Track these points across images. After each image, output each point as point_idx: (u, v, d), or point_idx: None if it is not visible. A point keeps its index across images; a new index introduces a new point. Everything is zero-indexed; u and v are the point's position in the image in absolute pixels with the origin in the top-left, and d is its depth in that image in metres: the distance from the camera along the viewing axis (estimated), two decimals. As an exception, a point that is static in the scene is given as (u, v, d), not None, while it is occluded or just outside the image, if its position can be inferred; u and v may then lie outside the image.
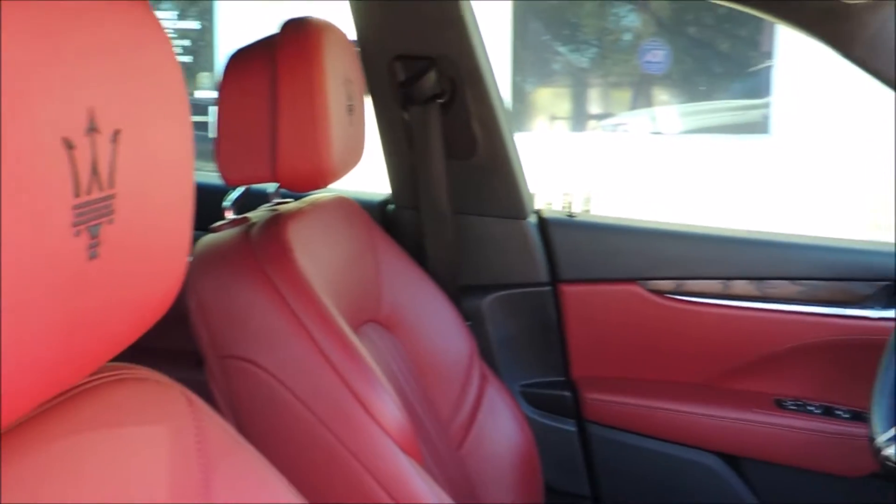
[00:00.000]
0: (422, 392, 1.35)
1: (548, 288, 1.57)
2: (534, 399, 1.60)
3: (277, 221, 1.10)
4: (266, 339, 0.99)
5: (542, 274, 1.57)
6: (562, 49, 7.69)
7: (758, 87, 7.21)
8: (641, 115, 7.62)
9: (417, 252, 1.51)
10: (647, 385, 1.58)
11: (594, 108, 7.90)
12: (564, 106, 7.84)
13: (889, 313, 1.45)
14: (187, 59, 7.15)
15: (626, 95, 7.87)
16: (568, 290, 1.57)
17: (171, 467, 0.61)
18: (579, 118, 7.75)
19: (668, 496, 1.57)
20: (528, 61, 7.44)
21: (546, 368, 1.61)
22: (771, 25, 6.94)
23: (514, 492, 1.39)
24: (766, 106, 7.13)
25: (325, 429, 0.98)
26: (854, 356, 1.46)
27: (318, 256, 1.12)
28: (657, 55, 7.21)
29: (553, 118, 7.81)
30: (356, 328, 1.26)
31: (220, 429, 0.67)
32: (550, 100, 7.86)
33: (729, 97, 7.47)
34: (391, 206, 1.64)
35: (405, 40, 1.49)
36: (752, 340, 1.52)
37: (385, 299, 1.34)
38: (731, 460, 1.55)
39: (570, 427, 1.59)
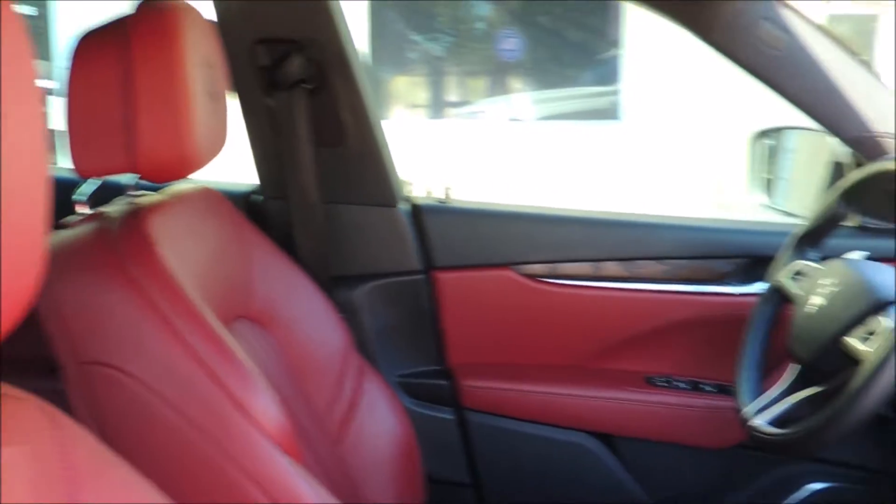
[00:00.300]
0: (297, 388, 1.30)
1: (422, 276, 1.55)
2: (412, 389, 1.58)
3: (138, 215, 1.03)
4: (131, 343, 0.93)
5: (416, 262, 1.55)
6: (417, 38, 7.69)
7: (607, 74, 7.43)
8: (498, 102, 7.74)
9: (287, 244, 1.45)
10: (522, 369, 1.59)
11: (451, 95, 7.97)
12: (422, 94, 7.86)
13: (748, 289, 1.51)
14: (24, 46, 6.69)
15: (482, 83, 7.98)
16: (442, 277, 1.55)
17: (34, 493, 0.55)
18: (437, 106, 7.79)
19: (546, 478, 1.59)
20: (385, 50, 7.41)
21: (423, 358, 1.59)
22: (618, 14, 7.17)
23: (394, 484, 1.37)
24: (616, 93, 7.36)
25: (200, 434, 0.92)
26: (718, 332, 1.52)
27: (183, 251, 1.06)
28: (511, 43, 7.33)
29: (411, 106, 7.81)
30: (227, 325, 1.20)
31: (85, 445, 0.61)
32: (408, 88, 7.86)
33: (580, 84, 7.66)
34: (258, 197, 1.58)
35: (267, 23, 1.43)
36: (622, 320, 1.55)
37: (256, 294, 1.28)
38: (606, 439, 1.58)
39: (448, 416, 1.58)
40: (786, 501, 1.59)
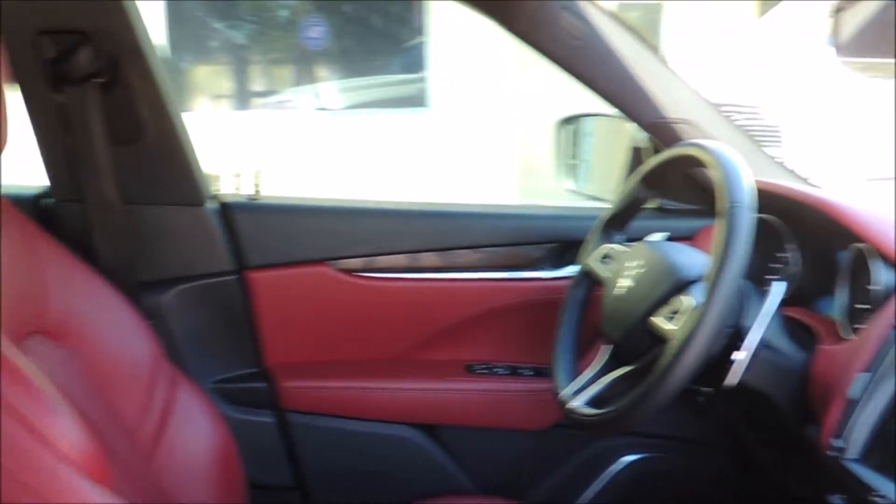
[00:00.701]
0: (104, 404, 1.22)
1: (234, 276, 1.49)
2: (229, 394, 1.52)
3: None
4: None
5: (227, 262, 1.48)
6: (219, 26, 7.44)
7: (413, 62, 7.46)
8: (305, 91, 7.61)
9: (85, 249, 1.35)
10: (342, 366, 1.56)
11: (256, 85, 7.77)
12: (225, 84, 7.62)
13: (561, 273, 1.55)
14: None
15: (287, 72, 7.82)
16: (255, 276, 1.50)
17: None
18: (242, 96, 7.57)
19: (373, 474, 1.58)
20: (184, 39, 7.11)
21: (239, 361, 1.53)
22: (421, 2, 7.23)
23: (214, 494, 1.31)
24: (423, 80, 7.40)
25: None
26: (534, 316, 1.55)
27: None
28: (316, 31, 7.22)
29: (214, 97, 7.55)
30: (19, 343, 1.10)
31: None
32: (210, 78, 7.60)
33: (387, 72, 7.65)
34: (49, 201, 1.46)
35: (52, 13, 1.32)
36: (441, 310, 1.55)
37: (52, 307, 1.18)
38: (429, 430, 1.59)
39: (268, 419, 1.53)
40: (603, 474, 1.66)
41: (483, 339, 1.59)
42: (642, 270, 1.19)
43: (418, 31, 7.36)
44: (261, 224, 1.50)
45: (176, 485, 1.28)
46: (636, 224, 1.36)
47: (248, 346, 1.53)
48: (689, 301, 1.08)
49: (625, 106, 1.49)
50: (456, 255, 1.55)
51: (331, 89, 7.60)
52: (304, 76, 7.69)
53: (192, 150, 1.46)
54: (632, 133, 1.63)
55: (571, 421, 1.20)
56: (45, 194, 1.46)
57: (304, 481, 1.55)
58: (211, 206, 1.48)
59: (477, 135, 7.06)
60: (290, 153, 6.73)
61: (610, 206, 1.36)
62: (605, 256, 1.32)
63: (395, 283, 1.53)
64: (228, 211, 1.49)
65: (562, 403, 1.23)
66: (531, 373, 1.59)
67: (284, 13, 7.56)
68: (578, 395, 1.21)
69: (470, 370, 1.58)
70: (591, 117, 1.81)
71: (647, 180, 1.29)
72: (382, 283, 1.53)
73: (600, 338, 1.27)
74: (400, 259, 1.53)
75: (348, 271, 1.52)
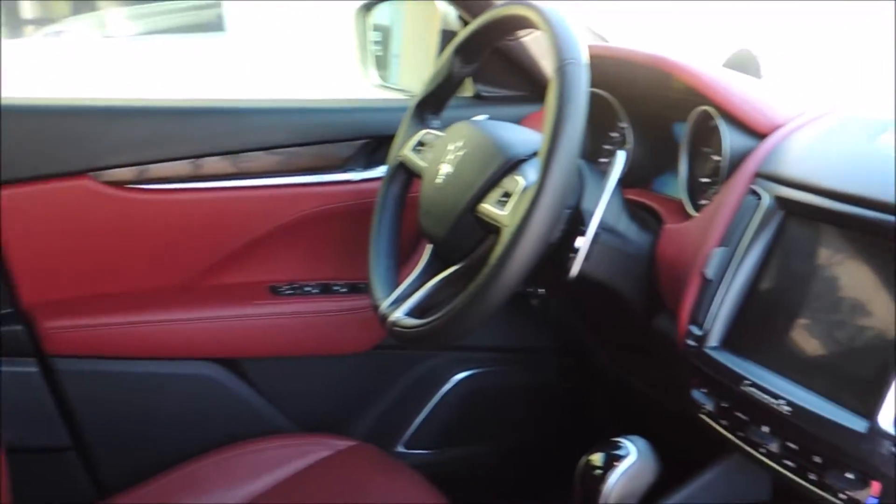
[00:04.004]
0: None
1: None
2: None
3: None
4: None
5: None
6: None
7: None
8: (87, 20, 7.00)
9: None
10: (120, 299, 1.30)
11: (28, 13, 7.04)
12: None
13: (373, 173, 1.36)
14: None
15: (67, 2, 7.16)
16: (2, 195, 1.21)
17: None
18: (12, 24, 6.83)
19: (167, 422, 1.34)
20: None
21: None
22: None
23: None
24: (218, 6, 7.02)
25: None
26: (345, 225, 1.35)
27: None
28: None
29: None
30: None
31: None
32: None
33: None
34: None
35: None
36: (235, 225, 1.32)
37: None
38: (232, 364, 1.37)
39: (30, 368, 1.26)
40: (434, 396, 1.50)
41: (288, 255, 1.38)
42: (463, 153, 1.01)
43: None
44: (5, 130, 1.20)
45: None
46: (451, 115, 1.17)
47: None
48: (521, 181, 0.92)
49: None
50: (248, 158, 1.31)
51: (116, 17, 7.02)
52: (85, 6, 7.05)
53: None
54: (443, 16, 1.44)
55: (394, 335, 1.02)
56: None
57: (81, 439, 1.30)
58: None
59: (278, 53, 6.74)
60: (69, 84, 6.13)
61: (422, 89, 1.17)
62: (421, 144, 1.13)
63: (176, 196, 1.28)
64: None
65: (382, 318, 1.05)
66: (345, 290, 1.40)
67: None
68: (399, 306, 1.03)
69: (275, 292, 1.37)
70: (393, 1, 1.61)
71: (463, 52, 1.10)
72: (159, 196, 1.27)
73: (423, 239, 1.09)
74: (180, 166, 1.28)
75: (116, 183, 1.25)
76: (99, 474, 1.32)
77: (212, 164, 1.29)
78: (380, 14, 1.61)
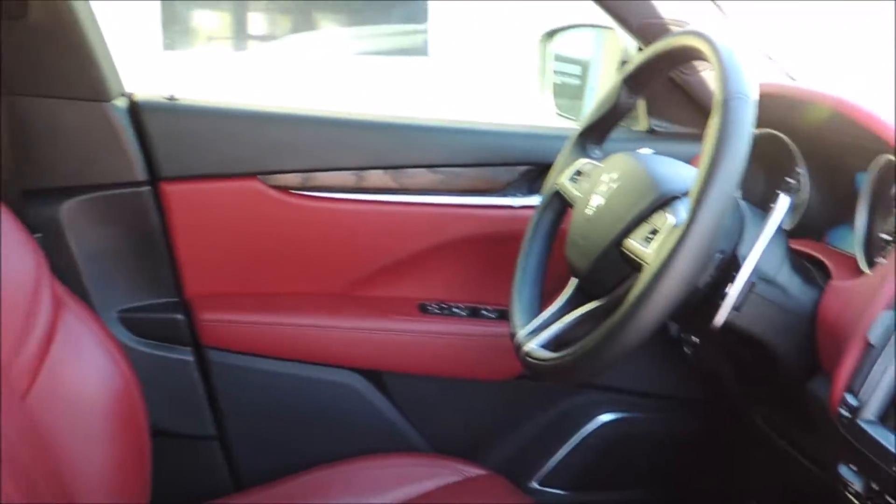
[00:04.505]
0: None
1: (146, 188, 1.27)
2: (137, 326, 1.31)
3: None
4: None
5: (138, 171, 1.26)
6: None
7: (414, 13, 7.38)
8: (306, 38, 7.48)
9: None
10: (274, 299, 1.34)
11: (255, 30, 7.58)
12: (223, 27, 7.44)
13: (531, 200, 1.33)
14: None
15: (287, 19, 7.66)
16: (172, 189, 1.28)
17: None
18: (239, 39, 7.38)
19: (305, 425, 1.37)
20: None
21: (151, 289, 1.32)
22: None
23: (105, 441, 1.10)
24: (424, 32, 7.32)
25: None
26: (500, 250, 1.33)
27: None
28: None
29: (211, 39, 7.36)
30: None
31: None
32: (209, 21, 7.43)
33: (388, 22, 7.55)
34: None
35: None
36: (390, 239, 1.34)
37: None
38: (374, 376, 1.38)
39: (186, 356, 1.32)
40: (575, 435, 1.45)
41: (440, 274, 1.37)
42: (616, 185, 0.97)
43: None
44: (181, 128, 1.27)
45: (56, 428, 1.07)
46: (618, 147, 1.13)
47: (163, 272, 1.31)
48: (671, 218, 0.87)
49: (611, 4, 1.26)
50: (410, 174, 1.32)
51: (331, 37, 7.46)
52: (305, 23, 7.53)
53: (97, 36, 1.23)
54: (624, 47, 1.40)
55: (525, 365, 0.99)
56: None
57: (224, 430, 1.35)
58: (119, 103, 1.25)
59: (475, 79, 6.88)
60: (287, 95, 6.52)
61: (586, 118, 1.14)
62: (578, 173, 1.10)
63: (338, 205, 1.31)
64: (140, 111, 1.26)
65: (517, 347, 1.02)
66: (494, 315, 1.37)
67: None
68: (535, 336, 1.00)
69: (423, 310, 1.37)
70: (576, 29, 1.58)
71: (632, 81, 1.06)
72: (323, 204, 1.31)
73: (569, 271, 1.05)
74: (344, 177, 1.31)
75: (283, 188, 1.30)
76: (238, 467, 1.36)
77: (374, 177, 1.32)
78: (561, 42, 1.59)
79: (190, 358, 1.32)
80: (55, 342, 1.08)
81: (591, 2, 1.29)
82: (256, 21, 7.65)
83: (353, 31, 7.48)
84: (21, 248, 1.08)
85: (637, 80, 1.06)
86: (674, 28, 1.23)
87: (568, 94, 1.61)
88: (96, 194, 1.25)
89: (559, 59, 1.60)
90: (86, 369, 1.11)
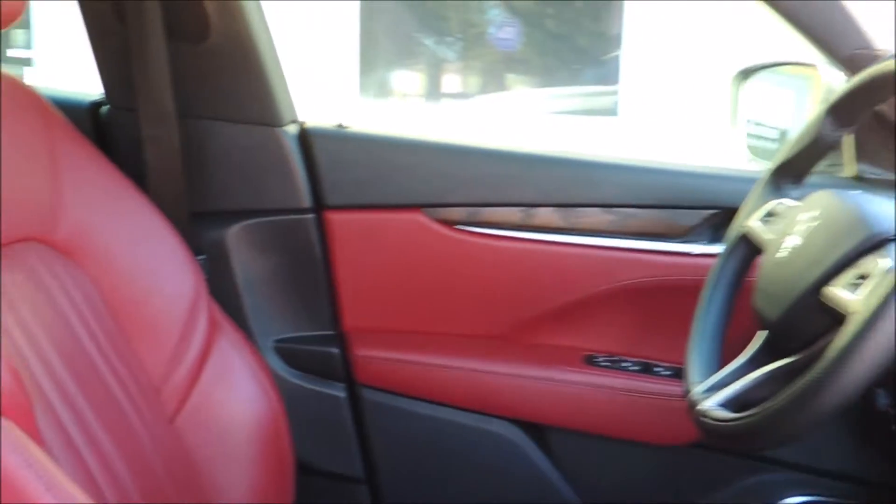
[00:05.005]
0: (121, 344, 1.01)
1: (311, 215, 1.25)
2: (292, 357, 1.28)
3: None
4: None
5: (304, 198, 1.24)
6: (425, 40, 7.62)
7: (606, 74, 7.41)
8: (498, 97, 7.69)
9: (137, 166, 1.16)
10: (433, 339, 1.28)
11: (450, 88, 7.85)
12: (418, 83, 7.75)
13: (714, 248, 1.21)
14: None
15: (481, 80, 7.89)
16: (335, 218, 1.25)
17: None
18: (434, 97, 7.65)
19: (458, 474, 1.29)
20: (377, 38, 7.27)
21: (308, 320, 1.29)
22: (620, 17, 7.12)
23: (249, 470, 1.07)
24: (615, 93, 7.34)
25: None
26: (676, 301, 1.21)
27: None
28: (508, 32, 7.19)
29: (405, 95, 7.66)
30: (3, 246, 0.91)
31: None
32: (404, 75, 7.75)
33: (581, 83, 7.61)
34: (105, 108, 1.28)
35: None
36: (558, 282, 1.24)
37: (65, 218, 0.99)
38: (533, 429, 1.28)
39: (338, 392, 1.28)
40: (757, 516, 1.29)
41: (609, 323, 1.27)
42: (816, 223, 0.84)
43: (613, 43, 7.26)
44: (347, 156, 1.25)
45: (202, 454, 1.05)
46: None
47: (322, 303, 1.28)
48: (884, 263, 0.73)
49: (819, 33, 1.13)
50: (581, 213, 1.23)
51: (522, 97, 7.60)
52: (496, 84, 7.71)
53: (274, 62, 1.23)
54: (828, 84, 1.26)
55: (699, 426, 0.87)
56: (103, 101, 1.28)
57: (374, 473, 1.28)
58: (289, 129, 1.25)
59: (664, 139, 6.76)
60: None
61: (781, 153, 1.01)
62: (770, 214, 0.97)
63: (503, 243, 1.24)
64: (309, 137, 1.25)
65: (691, 405, 0.90)
66: (668, 373, 1.25)
67: (488, 29, 7.60)
68: (713, 394, 0.88)
69: (590, 362, 1.27)
70: (776, 68, 1.45)
71: (836, 112, 0.93)
72: (487, 241, 1.24)
73: (756, 323, 0.93)
74: (511, 213, 1.24)
75: (447, 222, 1.24)
76: (384, 513, 1.30)
77: (543, 214, 1.24)
78: (756, 81, 1.46)
79: (342, 394, 1.28)
80: (207, 366, 1.07)
81: (796, 34, 1.17)
82: (450, 81, 7.88)
83: (544, 91, 7.56)
84: (182, 269, 1.08)
85: (843, 111, 0.93)
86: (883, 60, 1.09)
87: (764, 136, 1.48)
88: (262, 219, 1.25)
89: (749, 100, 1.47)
90: (235, 396, 1.08)
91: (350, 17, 6.96)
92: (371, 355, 1.27)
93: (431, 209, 1.24)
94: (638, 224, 1.23)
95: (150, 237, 1.06)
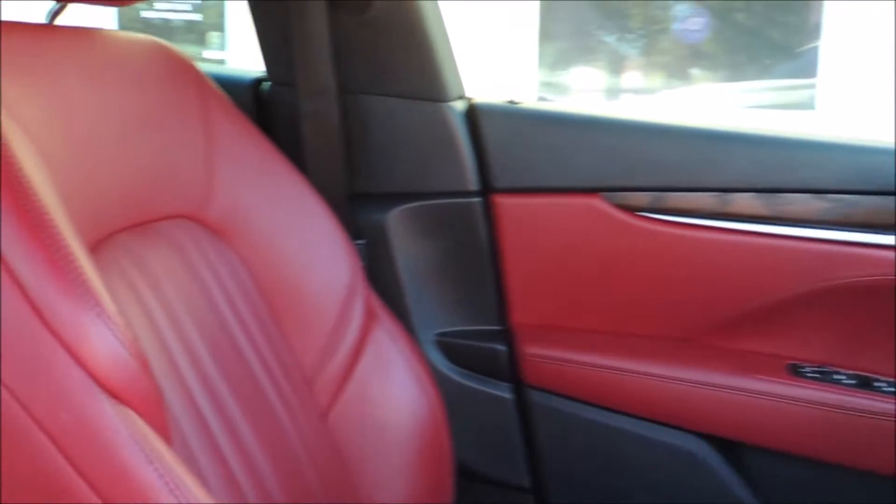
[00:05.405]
0: (272, 331, 0.95)
1: (478, 199, 1.15)
2: (454, 353, 1.18)
3: None
4: None
5: (470, 180, 1.14)
6: (607, 38, 7.50)
7: (803, 67, 7.03)
8: (682, 92, 7.49)
9: (297, 145, 1.10)
10: (612, 339, 1.15)
11: (631, 84, 7.67)
12: (598, 79, 7.62)
13: (956, 242, 1.01)
14: (197, 16, 6.76)
15: (664, 75, 7.69)
16: (504, 202, 1.14)
17: None
18: (613, 93, 7.49)
19: (636, 491, 1.15)
20: (559, 41, 7.22)
21: (473, 313, 1.19)
22: (819, 9, 6.79)
23: (406, 471, 0.98)
24: (812, 87, 6.96)
25: (14, 399, 0.57)
26: None
27: (65, 112, 0.74)
28: (695, 23, 6.92)
29: (585, 93, 7.54)
30: (155, 222, 0.86)
31: None
32: (583, 71, 7.64)
33: (773, 77, 7.28)
34: (266, 84, 1.22)
35: None
36: (758, 279, 1.08)
37: (218, 197, 0.94)
38: (725, 446, 1.12)
39: (504, 393, 1.17)
40: None
41: (819, 329, 1.09)
42: None
43: (812, 35, 6.86)
44: (517, 136, 1.14)
45: (356, 452, 0.97)
46: None
47: (488, 296, 1.18)
48: None
49: None
50: (789, 200, 1.07)
51: (708, 92, 7.33)
52: (680, 79, 7.47)
53: (441, 34, 1.14)
54: None
55: None
56: (265, 77, 1.23)
57: (541, 483, 1.17)
58: (456, 106, 1.15)
59: (867, 136, 6.30)
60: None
61: None
62: None
63: (694, 233, 1.09)
64: (478, 114, 1.15)
65: None
66: (892, 390, 1.06)
67: (665, 16, 7.37)
68: None
69: (795, 372, 1.09)
70: None
71: None
72: (675, 231, 1.09)
73: None
74: (704, 199, 1.09)
75: (630, 209, 1.11)
76: (552, 528, 1.18)
77: (742, 201, 1.08)
78: None
79: (508, 395, 1.17)
80: (362, 358, 0.99)
81: None
82: (631, 77, 7.70)
83: (734, 86, 7.25)
84: (339, 254, 1.00)
85: None
86: None
87: None
88: (424, 203, 1.16)
89: None
90: (392, 392, 1.00)
91: (530, 17, 6.94)
92: (541, 354, 1.15)
93: (611, 193, 1.11)
94: (858, 214, 1.05)
95: (306, 219, 0.99)
